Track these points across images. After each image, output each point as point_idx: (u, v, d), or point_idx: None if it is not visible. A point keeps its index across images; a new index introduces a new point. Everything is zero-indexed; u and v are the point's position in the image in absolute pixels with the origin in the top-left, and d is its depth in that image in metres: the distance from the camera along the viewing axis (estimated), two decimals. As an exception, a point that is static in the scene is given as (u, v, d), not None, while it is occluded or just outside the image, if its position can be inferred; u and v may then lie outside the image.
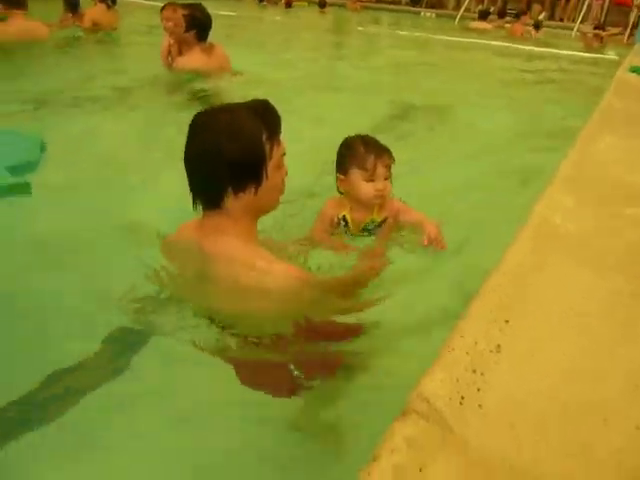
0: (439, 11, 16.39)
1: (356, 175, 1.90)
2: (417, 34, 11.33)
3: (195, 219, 1.57)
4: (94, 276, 1.79)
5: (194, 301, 1.62)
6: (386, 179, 1.91)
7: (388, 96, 4.85)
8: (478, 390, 0.97)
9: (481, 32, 11.80)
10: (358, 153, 1.91)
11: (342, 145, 2.03)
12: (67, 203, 2.26)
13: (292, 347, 1.51)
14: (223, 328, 1.53)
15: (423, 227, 1.96)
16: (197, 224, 1.55)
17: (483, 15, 13.06)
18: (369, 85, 5.58)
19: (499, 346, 1.08)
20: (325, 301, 1.54)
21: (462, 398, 0.94)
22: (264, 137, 1.42)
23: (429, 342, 1.34)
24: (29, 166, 2.59)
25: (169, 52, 4.70)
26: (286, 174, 1.54)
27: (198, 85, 4.47)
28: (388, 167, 1.90)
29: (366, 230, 2.07)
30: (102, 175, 2.63)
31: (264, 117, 1.44)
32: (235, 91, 4.31)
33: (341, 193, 2.06)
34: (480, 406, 0.93)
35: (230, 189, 1.44)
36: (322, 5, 14.67)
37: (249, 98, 1.50)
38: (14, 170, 2.44)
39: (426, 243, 1.91)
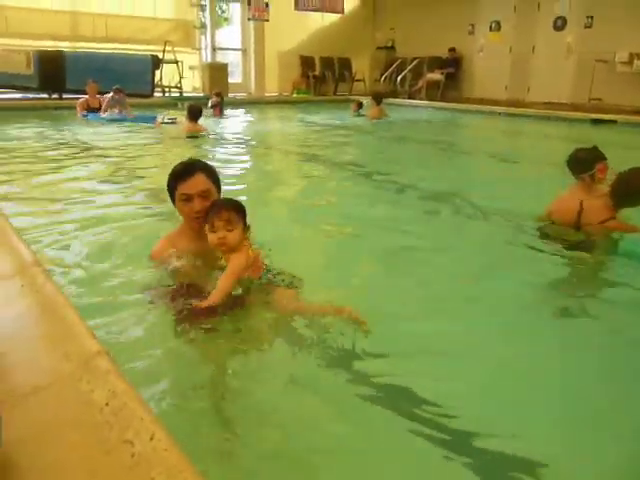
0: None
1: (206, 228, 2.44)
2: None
3: None
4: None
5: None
6: (229, 231, 2.31)
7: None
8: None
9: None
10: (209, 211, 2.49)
11: None
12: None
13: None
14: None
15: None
16: None
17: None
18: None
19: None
20: None
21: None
22: (171, 181, 2.52)
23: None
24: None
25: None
26: (194, 211, 2.42)
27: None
28: (227, 221, 2.32)
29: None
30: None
31: (175, 171, 2.52)
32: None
33: None
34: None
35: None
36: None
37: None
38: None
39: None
